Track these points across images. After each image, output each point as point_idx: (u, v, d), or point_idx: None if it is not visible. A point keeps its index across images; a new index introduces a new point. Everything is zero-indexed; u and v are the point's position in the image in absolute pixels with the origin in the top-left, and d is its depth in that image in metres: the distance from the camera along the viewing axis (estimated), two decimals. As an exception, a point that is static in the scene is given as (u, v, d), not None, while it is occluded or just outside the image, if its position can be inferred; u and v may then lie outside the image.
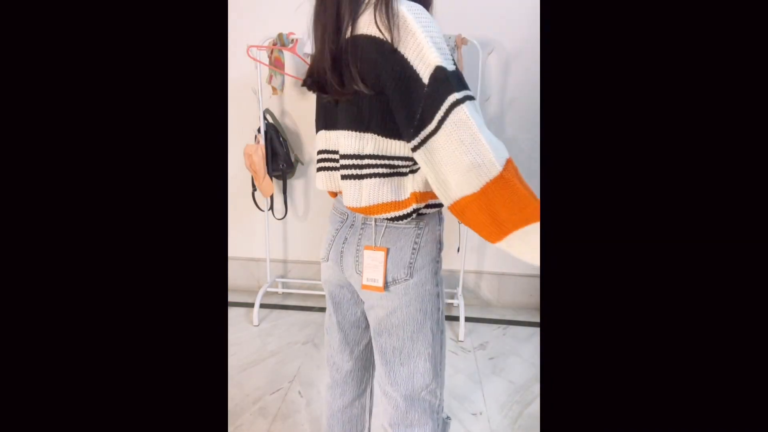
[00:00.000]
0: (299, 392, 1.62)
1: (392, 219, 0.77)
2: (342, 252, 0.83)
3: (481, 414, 1.54)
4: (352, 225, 0.83)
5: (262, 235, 2.28)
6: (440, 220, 0.84)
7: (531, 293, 2.32)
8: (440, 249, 0.84)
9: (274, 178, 2.09)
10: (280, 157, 2.05)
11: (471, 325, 2.14)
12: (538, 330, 2.11)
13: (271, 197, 2.17)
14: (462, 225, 2.04)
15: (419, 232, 0.80)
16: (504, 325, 2.16)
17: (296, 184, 2.29)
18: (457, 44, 1.78)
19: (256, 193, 2.18)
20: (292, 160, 2.12)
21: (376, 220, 0.79)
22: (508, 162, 0.66)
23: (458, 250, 2.15)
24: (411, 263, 0.79)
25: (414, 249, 0.79)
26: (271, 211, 2.23)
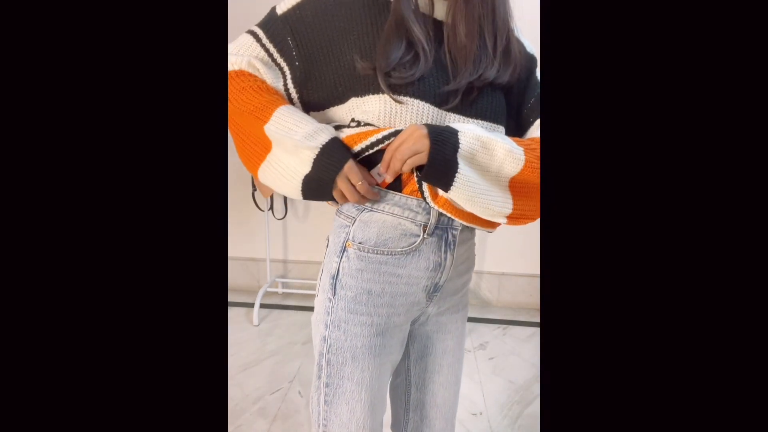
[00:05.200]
0: (299, 392, 1.62)
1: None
2: None
3: (481, 414, 1.54)
4: None
5: (262, 235, 2.28)
6: (354, 220, 0.66)
7: (531, 293, 2.32)
8: (341, 256, 0.66)
9: (274, 178, 2.09)
10: (280, 157, 2.04)
11: (471, 325, 2.14)
12: (538, 330, 2.10)
13: (271, 197, 2.16)
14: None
15: (341, 223, 0.69)
16: (504, 325, 2.16)
17: (296, 184, 2.28)
18: (457, 44, 1.78)
19: (256, 193, 2.17)
20: (292, 160, 2.11)
21: None
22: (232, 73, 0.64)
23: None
24: (320, 270, 0.70)
25: (326, 249, 0.70)
26: (271, 211, 2.23)
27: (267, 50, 0.66)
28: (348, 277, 0.66)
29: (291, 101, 0.68)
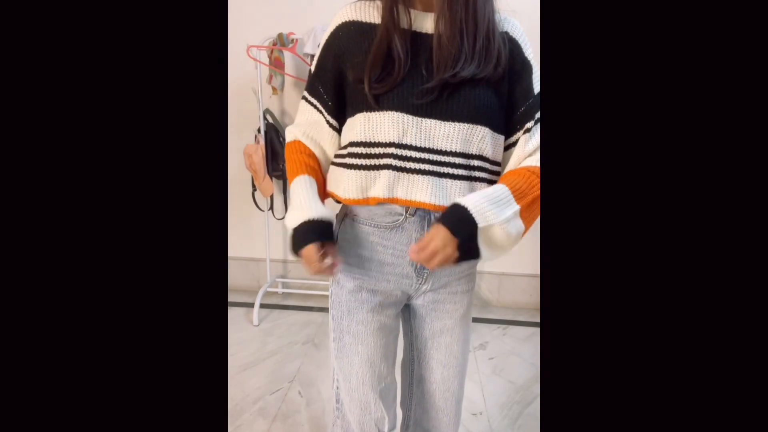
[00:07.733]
0: (299, 392, 1.62)
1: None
2: None
3: (481, 414, 1.54)
4: None
5: (262, 235, 2.28)
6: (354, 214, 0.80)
7: (531, 293, 2.32)
8: (340, 225, 0.80)
9: (274, 178, 2.09)
10: (280, 157, 2.05)
11: (471, 325, 2.14)
12: (538, 330, 2.10)
13: (271, 197, 2.17)
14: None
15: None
16: (504, 325, 2.16)
17: (296, 184, 2.28)
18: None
19: (256, 193, 2.17)
20: (292, 160, 2.11)
21: None
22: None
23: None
24: None
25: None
26: (271, 211, 2.23)
27: (314, 105, 0.81)
28: (344, 241, 0.81)
29: (334, 128, 0.82)
